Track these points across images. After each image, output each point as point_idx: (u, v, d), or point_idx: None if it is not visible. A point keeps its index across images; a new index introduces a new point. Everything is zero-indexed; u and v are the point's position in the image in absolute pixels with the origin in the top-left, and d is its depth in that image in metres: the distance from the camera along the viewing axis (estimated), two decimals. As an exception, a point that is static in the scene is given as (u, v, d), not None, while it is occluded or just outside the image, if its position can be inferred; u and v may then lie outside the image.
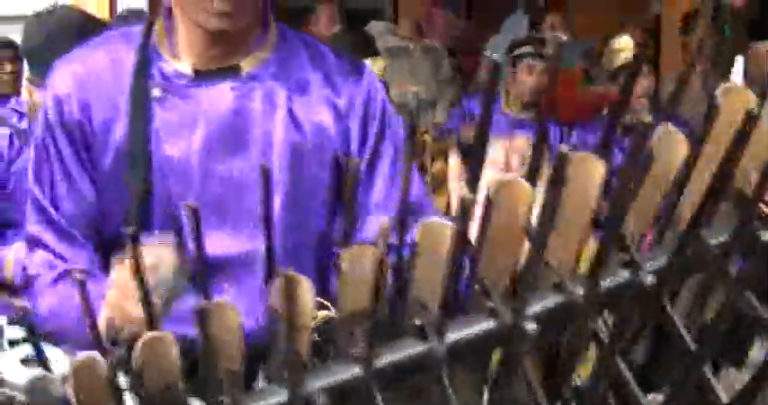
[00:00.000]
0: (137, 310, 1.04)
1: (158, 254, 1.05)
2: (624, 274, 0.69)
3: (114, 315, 1.09)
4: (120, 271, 1.09)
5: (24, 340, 2.27)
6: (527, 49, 3.84)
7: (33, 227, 1.30)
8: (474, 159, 0.61)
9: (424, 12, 4.73)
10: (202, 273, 0.66)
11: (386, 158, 1.34)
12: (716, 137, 0.71)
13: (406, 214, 0.68)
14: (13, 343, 2.29)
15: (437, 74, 4.56)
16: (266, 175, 0.60)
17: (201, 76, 1.28)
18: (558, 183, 0.56)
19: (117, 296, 1.09)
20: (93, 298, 1.19)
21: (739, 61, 3.85)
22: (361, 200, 1.34)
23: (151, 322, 0.62)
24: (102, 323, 1.11)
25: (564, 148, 0.54)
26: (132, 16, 3.23)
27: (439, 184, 3.64)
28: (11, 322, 2.32)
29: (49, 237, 1.28)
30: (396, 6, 4.70)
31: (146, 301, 0.63)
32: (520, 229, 0.63)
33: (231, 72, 1.29)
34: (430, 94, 4.45)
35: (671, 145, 0.70)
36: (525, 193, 0.61)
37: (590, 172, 0.61)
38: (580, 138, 3.39)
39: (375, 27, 4.64)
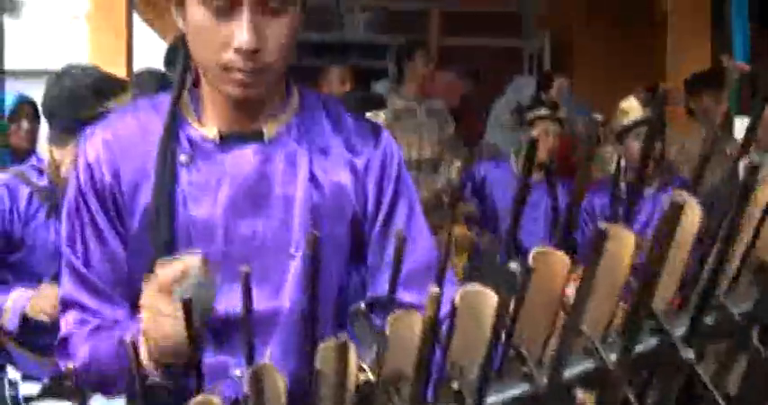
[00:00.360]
0: (171, 325, 1.08)
1: (188, 262, 1.08)
2: (653, 341, 0.72)
3: (151, 336, 1.11)
4: (149, 289, 1.11)
5: (39, 396, 2.28)
6: (543, 111, 3.91)
7: (67, 289, 1.33)
8: (510, 231, 0.64)
9: (428, 73, 4.81)
10: (248, 334, 0.69)
11: (401, 217, 1.38)
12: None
13: (443, 279, 0.71)
14: (28, 399, 2.30)
15: (441, 135, 4.63)
16: (315, 242, 0.63)
17: (226, 141, 1.32)
18: (595, 257, 0.59)
19: (150, 317, 1.12)
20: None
21: (741, 122, 3.92)
22: (375, 258, 1.37)
23: (196, 348, 0.64)
24: (144, 354, 1.13)
25: (602, 224, 0.57)
26: (150, 75, 3.30)
27: (459, 247, 3.67)
28: (26, 377, 2.34)
29: (83, 297, 1.31)
30: (400, 66, 4.77)
31: (189, 326, 0.65)
32: (556, 297, 0.66)
33: (255, 136, 1.33)
34: (435, 155, 4.51)
35: (686, 213, 0.73)
36: (562, 262, 0.64)
37: (622, 244, 0.65)
38: (588, 199, 3.43)
39: (380, 87, 4.73)
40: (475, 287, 0.63)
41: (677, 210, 0.63)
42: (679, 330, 0.74)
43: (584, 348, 0.71)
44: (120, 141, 1.32)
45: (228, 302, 1.29)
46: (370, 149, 1.38)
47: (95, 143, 1.33)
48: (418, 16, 7.59)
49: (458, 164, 4.07)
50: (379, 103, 3.73)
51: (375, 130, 1.42)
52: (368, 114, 2.98)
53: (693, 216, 0.70)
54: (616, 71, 6.16)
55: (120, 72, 4.33)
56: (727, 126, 4.06)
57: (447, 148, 4.52)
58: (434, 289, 0.53)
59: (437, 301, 0.55)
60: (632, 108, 3.39)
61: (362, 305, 1.16)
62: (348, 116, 1.42)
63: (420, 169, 4.38)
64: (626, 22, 6.22)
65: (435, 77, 5.26)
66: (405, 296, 1.31)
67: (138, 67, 3.98)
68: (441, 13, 7.61)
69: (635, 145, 3.34)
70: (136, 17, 5.52)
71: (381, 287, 1.36)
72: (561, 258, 0.64)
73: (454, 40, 7.44)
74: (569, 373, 0.69)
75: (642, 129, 3.34)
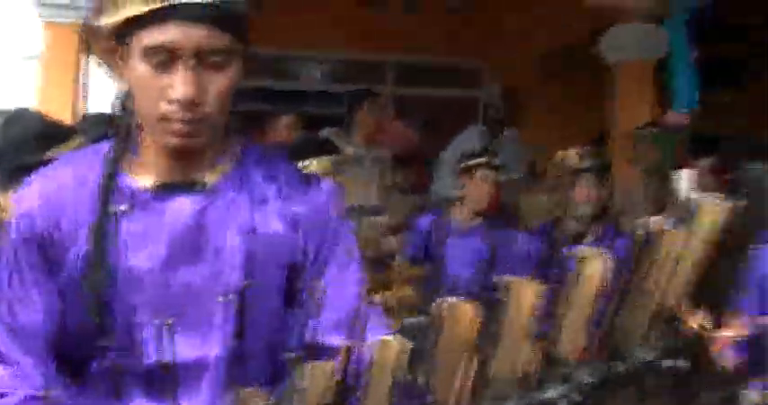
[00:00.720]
0: None
1: None
2: (562, 389, 0.75)
3: None
4: None
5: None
6: (482, 159, 4.03)
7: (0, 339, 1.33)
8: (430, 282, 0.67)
9: (377, 121, 4.84)
10: (171, 385, 0.70)
11: (334, 265, 1.39)
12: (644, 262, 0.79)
13: (356, 332, 0.73)
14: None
15: (383, 184, 4.67)
16: (244, 293, 0.65)
17: (164, 190, 1.34)
18: (498, 306, 0.63)
19: None
20: None
21: (680, 175, 4.06)
22: (309, 303, 1.39)
23: None
24: None
25: (505, 278, 0.61)
26: (95, 119, 3.29)
27: (402, 308, 3.65)
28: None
29: (13, 351, 1.31)
30: (350, 114, 4.80)
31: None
32: (464, 347, 0.69)
33: (192, 185, 1.35)
34: (376, 203, 4.53)
35: (589, 266, 0.77)
36: (469, 314, 0.67)
37: (524, 294, 0.68)
38: (524, 242, 3.53)
39: (328, 133, 4.74)
40: (384, 337, 0.66)
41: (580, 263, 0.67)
42: (588, 378, 0.77)
43: (494, 396, 0.74)
44: (57, 191, 1.33)
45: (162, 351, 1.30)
46: (303, 197, 1.40)
47: (31, 193, 1.33)
48: (374, 67, 7.70)
49: (385, 219, 4.10)
50: (330, 150, 3.75)
51: (310, 180, 1.44)
52: (300, 163, 2.98)
53: (596, 268, 0.74)
54: (566, 120, 6.29)
55: (68, 113, 4.32)
56: (666, 177, 4.18)
57: (387, 200, 4.55)
58: (345, 342, 0.56)
59: (348, 353, 0.57)
60: (569, 158, 3.53)
61: (295, 354, 1.17)
62: (286, 166, 1.44)
63: (362, 218, 4.39)
64: (574, 74, 6.36)
65: (390, 126, 5.30)
66: (334, 340, 1.31)
67: (92, 108, 3.97)
68: (396, 64, 7.73)
69: (573, 193, 3.48)
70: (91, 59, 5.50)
71: (311, 332, 1.37)
72: (468, 309, 0.67)
73: (409, 90, 7.55)
74: (480, 419, 0.72)
75: (584, 177, 3.49)
